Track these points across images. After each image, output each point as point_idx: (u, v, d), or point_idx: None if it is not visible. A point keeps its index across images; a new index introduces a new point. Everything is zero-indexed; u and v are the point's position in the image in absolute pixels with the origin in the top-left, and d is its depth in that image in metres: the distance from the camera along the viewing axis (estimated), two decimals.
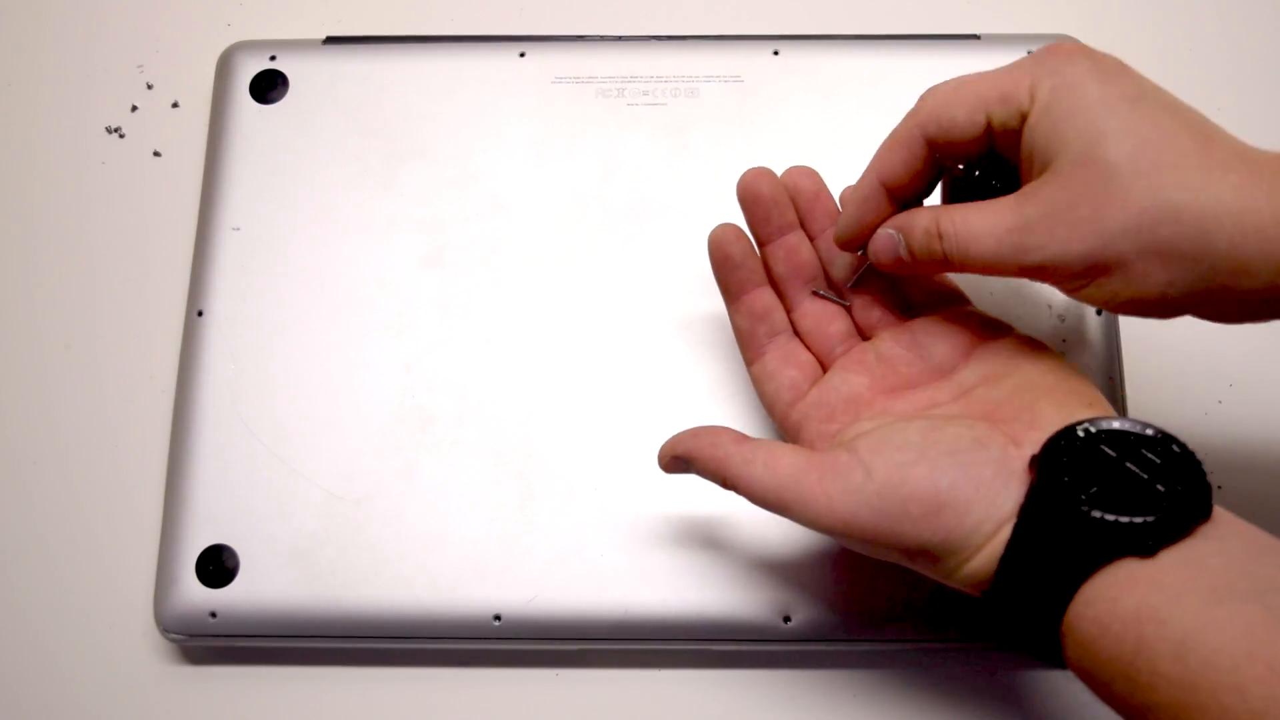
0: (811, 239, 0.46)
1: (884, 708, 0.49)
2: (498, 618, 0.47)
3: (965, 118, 0.40)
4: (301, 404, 0.50)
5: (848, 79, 0.53)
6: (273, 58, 0.55)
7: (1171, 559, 0.35)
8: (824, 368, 0.45)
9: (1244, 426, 0.52)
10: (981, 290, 0.50)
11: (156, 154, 0.57)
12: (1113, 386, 0.49)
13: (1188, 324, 0.53)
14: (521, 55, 0.54)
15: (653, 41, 0.55)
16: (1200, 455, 0.51)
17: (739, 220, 0.52)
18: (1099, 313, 0.50)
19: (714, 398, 0.49)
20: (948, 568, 0.38)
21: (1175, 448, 0.37)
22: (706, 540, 0.48)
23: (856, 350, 0.44)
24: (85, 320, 0.55)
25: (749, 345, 0.45)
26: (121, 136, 0.58)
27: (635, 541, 0.48)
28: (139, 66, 0.59)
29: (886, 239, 0.42)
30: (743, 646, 0.47)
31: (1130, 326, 0.52)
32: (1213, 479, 0.51)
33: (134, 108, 0.58)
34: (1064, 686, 0.49)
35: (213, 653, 0.50)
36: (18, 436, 0.53)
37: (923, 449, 0.38)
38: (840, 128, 0.53)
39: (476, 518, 0.48)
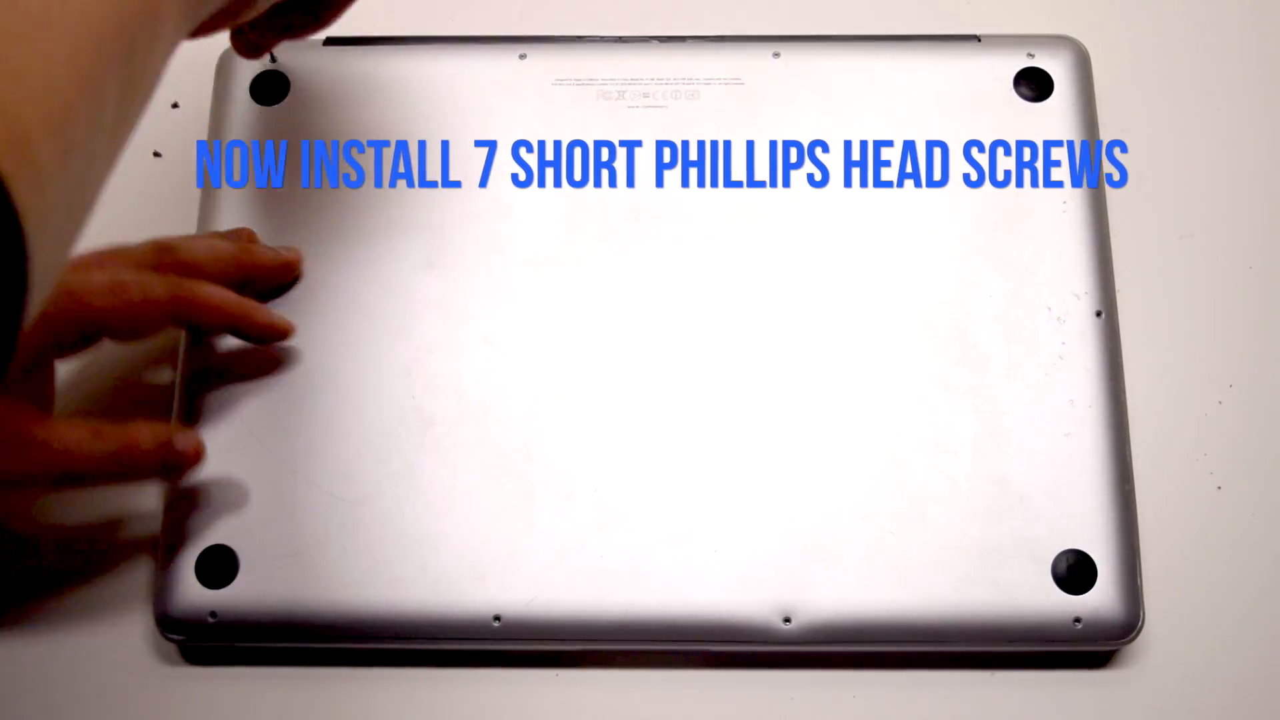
0: None
1: (883, 709, 0.49)
2: (497, 618, 0.47)
3: None
4: (301, 405, 0.50)
5: (848, 81, 0.54)
6: (273, 59, 0.55)
7: None
8: None
9: (1244, 426, 0.52)
10: (980, 290, 0.51)
11: (156, 154, 0.57)
12: (1115, 389, 0.49)
13: (1187, 324, 0.53)
14: (522, 57, 0.54)
15: (653, 43, 0.55)
16: (1200, 455, 0.52)
17: (738, 222, 0.52)
18: (1099, 314, 0.50)
19: (713, 398, 0.49)
20: None
21: None
22: (706, 541, 0.48)
23: None
24: None
25: None
26: None
27: (634, 543, 0.48)
28: None
29: None
30: (743, 648, 0.48)
31: (1130, 327, 0.52)
32: (1212, 479, 0.51)
33: None
34: (1064, 688, 0.49)
35: (212, 653, 0.50)
36: None
37: None
38: (841, 129, 0.53)
39: (476, 519, 0.48)
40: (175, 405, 0.51)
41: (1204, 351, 0.53)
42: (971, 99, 0.53)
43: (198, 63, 0.58)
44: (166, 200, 0.56)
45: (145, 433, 0.44)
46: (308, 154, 0.53)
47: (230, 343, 0.51)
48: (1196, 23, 0.58)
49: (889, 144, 0.53)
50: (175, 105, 0.58)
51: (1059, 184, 0.52)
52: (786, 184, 0.52)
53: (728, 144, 0.53)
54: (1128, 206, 0.55)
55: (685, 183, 0.52)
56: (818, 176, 0.52)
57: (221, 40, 0.56)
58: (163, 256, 0.47)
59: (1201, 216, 0.55)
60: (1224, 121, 0.57)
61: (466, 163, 0.53)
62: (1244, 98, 0.57)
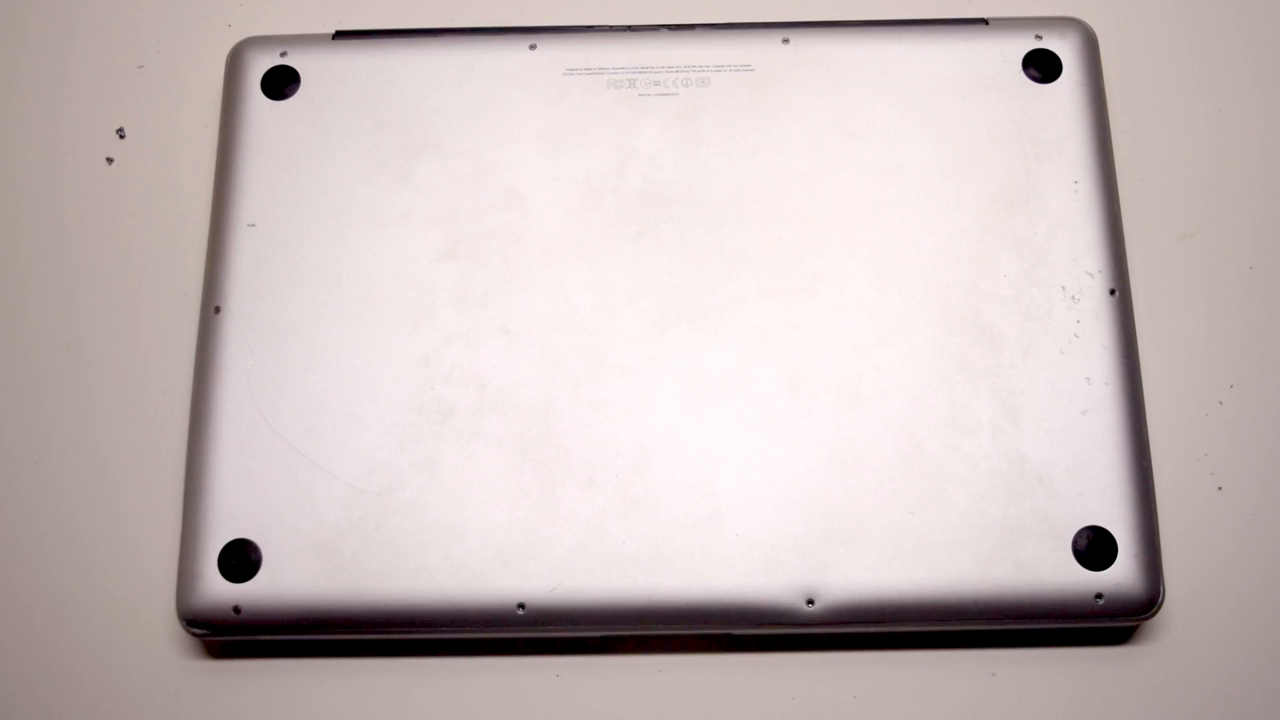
0: None
1: (906, 689, 0.49)
2: (521, 606, 0.47)
3: None
4: (321, 398, 0.50)
5: (857, 66, 0.54)
6: (283, 54, 0.55)
7: None
8: None
9: (1244, 426, 0.53)
10: (994, 271, 0.51)
11: (159, 154, 0.57)
12: (1130, 366, 0.50)
13: (1187, 324, 0.53)
14: (532, 47, 0.54)
15: (663, 31, 0.55)
16: (1201, 455, 0.52)
17: (751, 207, 0.52)
18: (1113, 292, 0.51)
19: (730, 384, 0.50)
20: None
21: None
22: (728, 525, 0.48)
23: None
24: (102, 319, 0.55)
25: None
26: (123, 137, 0.58)
27: (656, 528, 0.48)
28: (140, 66, 0.59)
29: None
30: (766, 630, 0.48)
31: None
32: (1213, 479, 0.52)
33: (135, 109, 0.58)
34: (1086, 664, 0.49)
35: (237, 647, 0.50)
36: (40, 435, 0.53)
37: None
38: (851, 115, 0.53)
39: (498, 508, 0.48)
40: (192, 398, 0.51)
41: (1204, 352, 0.53)
42: (981, 82, 0.53)
43: (199, 63, 0.58)
44: (179, 194, 0.56)
45: None
46: (320, 148, 0.53)
47: (249, 331, 0.51)
48: (1197, 20, 0.58)
49: (899, 128, 0.53)
50: (177, 105, 0.58)
51: (1070, 164, 0.52)
52: (799, 169, 0.52)
53: (739, 130, 0.53)
54: (1128, 206, 0.55)
55: (697, 169, 0.53)
56: (830, 161, 0.53)
57: (222, 39, 0.57)
58: None
59: (1201, 216, 0.55)
60: (1224, 121, 0.57)
61: (480, 154, 0.53)
62: (1245, 98, 0.57)
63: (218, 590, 0.48)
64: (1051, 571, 0.47)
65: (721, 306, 0.51)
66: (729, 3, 0.59)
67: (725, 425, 0.49)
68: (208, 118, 0.57)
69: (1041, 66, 0.54)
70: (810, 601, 0.47)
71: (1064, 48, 0.54)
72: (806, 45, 0.54)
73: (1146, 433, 0.49)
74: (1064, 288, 0.51)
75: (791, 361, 0.50)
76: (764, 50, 0.54)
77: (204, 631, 0.48)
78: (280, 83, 0.54)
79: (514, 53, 0.54)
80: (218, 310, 0.51)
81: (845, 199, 0.52)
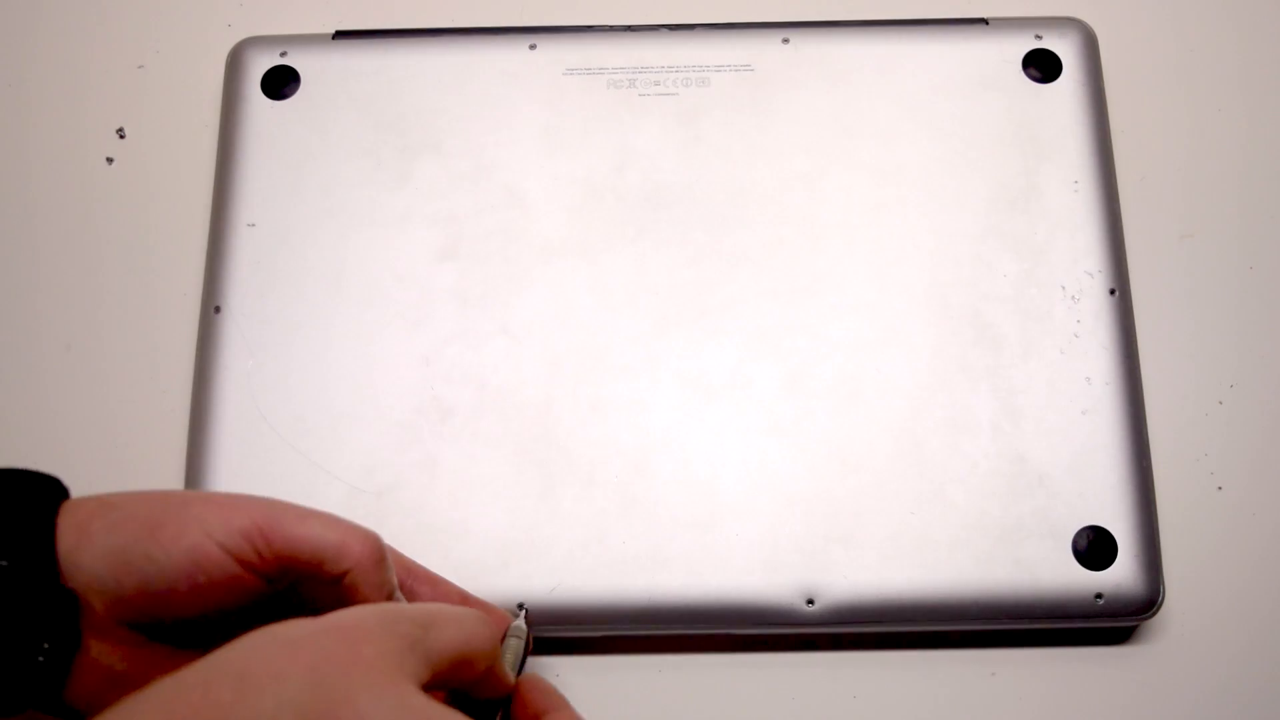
0: None
1: (906, 689, 0.49)
2: (521, 606, 0.47)
3: None
4: (321, 398, 0.50)
5: (857, 66, 0.54)
6: (283, 54, 0.55)
7: None
8: None
9: (1244, 426, 0.53)
10: (995, 271, 0.51)
11: (160, 154, 0.57)
12: (1130, 366, 0.50)
13: (1187, 324, 0.54)
14: (532, 47, 0.54)
15: (663, 31, 0.55)
16: (1201, 455, 0.52)
17: (751, 207, 0.52)
18: (1113, 292, 0.51)
19: (730, 384, 0.50)
20: None
21: None
22: (728, 525, 0.48)
23: None
24: (102, 319, 0.55)
25: None
26: (123, 137, 0.58)
27: (656, 528, 0.48)
28: (140, 66, 0.59)
29: None
30: (766, 630, 0.48)
31: None
32: (1213, 479, 0.52)
33: (135, 109, 0.58)
34: (1085, 664, 0.49)
35: None
36: (41, 435, 0.53)
37: None
38: (851, 114, 0.53)
39: (498, 508, 0.48)
40: (192, 398, 0.51)
41: (1204, 352, 0.53)
42: (981, 81, 0.53)
43: (199, 63, 0.58)
44: (179, 194, 0.56)
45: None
46: (320, 148, 0.53)
47: (249, 331, 0.51)
48: (1197, 20, 0.58)
49: (899, 128, 0.53)
50: (177, 105, 0.58)
51: (1070, 164, 0.52)
52: (799, 169, 0.53)
53: (739, 130, 0.53)
54: (1128, 206, 0.55)
55: (697, 169, 0.53)
56: (830, 161, 0.53)
57: (230, 36, 0.57)
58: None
59: (1201, 216, 0.55)
60: (1224, 121, 0.57)
61: (479, 154, 0.53)
62: (1245, 98, 0.57)
63: None
64: (1051, 571, 0.47)
65: (721, 307, 0.51)
66: (729, 3, 0.59)
67: (725, 425, 0.49)
68: (208, 118, 0.57)
69: (1041, 66, 0.54)
70: (810, 601, 0.47)
71: (1064, 48, 0.54)
72: (806, 45, 0.54)
73: (1146, 433, 0.49)
74: (1064, 288, 0.51)
75: (791, 361, 0.50)
76: (764, 50, 0.54)
77: None
78: (280, 83, 0.54)
79: (514, 53, 0.54)
80: (218, 310, 0.51)
81: (845, 199, 0.52)
